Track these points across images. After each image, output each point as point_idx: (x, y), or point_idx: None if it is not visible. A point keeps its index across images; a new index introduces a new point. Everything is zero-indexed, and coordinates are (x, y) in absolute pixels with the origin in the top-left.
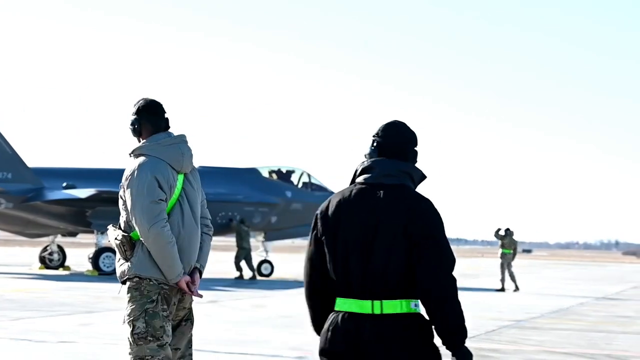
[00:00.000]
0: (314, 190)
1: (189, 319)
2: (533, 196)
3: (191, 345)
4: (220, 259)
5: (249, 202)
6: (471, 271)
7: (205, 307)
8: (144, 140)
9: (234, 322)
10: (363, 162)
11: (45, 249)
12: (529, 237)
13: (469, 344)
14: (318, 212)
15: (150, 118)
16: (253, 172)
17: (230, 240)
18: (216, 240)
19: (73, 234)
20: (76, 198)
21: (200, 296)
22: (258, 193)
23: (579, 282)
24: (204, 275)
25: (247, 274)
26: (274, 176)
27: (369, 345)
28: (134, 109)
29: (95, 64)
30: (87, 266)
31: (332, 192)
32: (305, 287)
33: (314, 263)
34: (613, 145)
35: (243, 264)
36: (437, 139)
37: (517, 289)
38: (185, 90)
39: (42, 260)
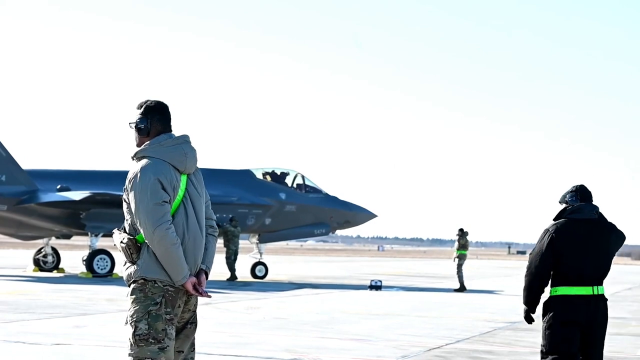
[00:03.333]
0: (308, 192)
1: (193, 321)
2: (526, 197)
3: (194, 347)
4: (214, 261)
5: (242, 203)
6: (466, 273)
7: (200, 309)
8: (146, 143)
9: (228, 324)
10: (571, 205)
11: (39, 251)
12: (524, 239)
13: (463, 345)
14: (553, 233)
15: (161, 118)
16: (247, 174)
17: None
18: None
19: (67, 236)
20: (70, 200)
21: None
22: (252, 195)
23: None
24: None
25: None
26: (268, 178)
27: (596, 313)
28: (141, 109)
29: (90, 67)
30: (81, 268)
31: (326, 194)
32: (536, 276)
33: (547, 261)
34: (607, 146)
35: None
36: (437, 140)
37: (462, 288)
38: (179, 92)
39: (37, 262)
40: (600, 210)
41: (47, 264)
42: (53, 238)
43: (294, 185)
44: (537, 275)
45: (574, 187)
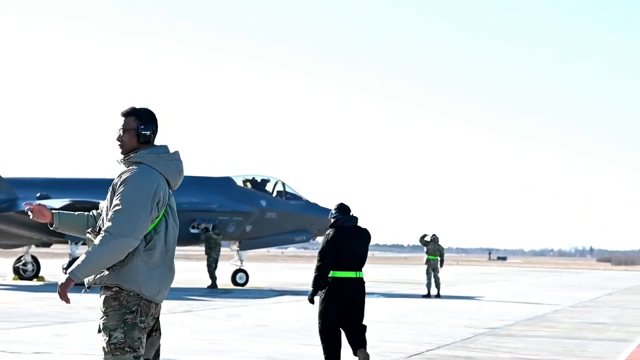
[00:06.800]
0: (289, 199)
1: (158, 329)
2: (508, 203)
3: (159, 355)
4: (194, 269)
5: (223, 211)
6: (447, 279)
7: (180, 317)
8: (142, 150)
9: (208, 331)
10: (340, 216)
11: (19, 260)
12: (504, 245)
13: (444, 351)
14: (332, 235)
15: (156, 128)
16: (227, 181)
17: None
18: (190, 250)
19: (47, 245)
20: (50, 208)
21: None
22: (232, 202)
23: (554, 289)
24: (177, 285)
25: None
26: (249, 185)
27: (358, 290)
28: (144, 116)
29: (70, 75)
30: (61, 276)
31: (306, 201)
32: (325, 266)
33: (333, 255)
34: (588, 152)
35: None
36: (416, 147)
37: (438, 295)
38: (158, 98)
39: (16, 270)
40: (359, 218)
41: (27, 272)
42: (33, 246)
43: (275, 193)
44: (327, 265)
45: (337, 205)
